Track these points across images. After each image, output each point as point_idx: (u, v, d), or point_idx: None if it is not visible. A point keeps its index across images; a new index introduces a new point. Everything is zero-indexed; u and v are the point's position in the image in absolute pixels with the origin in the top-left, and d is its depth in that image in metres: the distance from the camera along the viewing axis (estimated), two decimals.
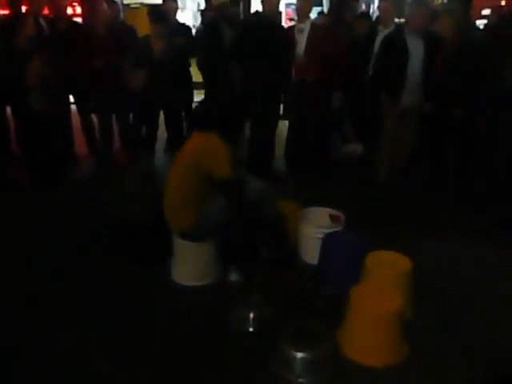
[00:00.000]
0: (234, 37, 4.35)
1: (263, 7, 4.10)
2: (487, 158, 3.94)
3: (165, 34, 4.21)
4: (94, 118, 4.80)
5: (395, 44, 3.92)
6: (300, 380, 2.16)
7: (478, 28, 4.86)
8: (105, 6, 4.37)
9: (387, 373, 2.19)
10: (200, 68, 4.99)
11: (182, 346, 2.37)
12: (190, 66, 4.99)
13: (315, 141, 4.45)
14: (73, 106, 4.87)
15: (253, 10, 5.83)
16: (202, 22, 5.34)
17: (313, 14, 4.77)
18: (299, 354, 2.17)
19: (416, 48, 3.85)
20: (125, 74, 4.22)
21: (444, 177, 4.24)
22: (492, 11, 6.08)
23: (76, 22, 4.84)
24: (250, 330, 2.46)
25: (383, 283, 2.45)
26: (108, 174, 4.53)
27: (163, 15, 4.28)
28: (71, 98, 4.86)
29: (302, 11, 4.23)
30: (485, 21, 5.64)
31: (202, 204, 2.70)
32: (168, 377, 2.18)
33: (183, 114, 4.98)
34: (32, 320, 2.55)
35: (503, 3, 6.46)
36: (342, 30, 4.50)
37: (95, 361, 2.26)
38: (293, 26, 4.40)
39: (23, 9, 4.69)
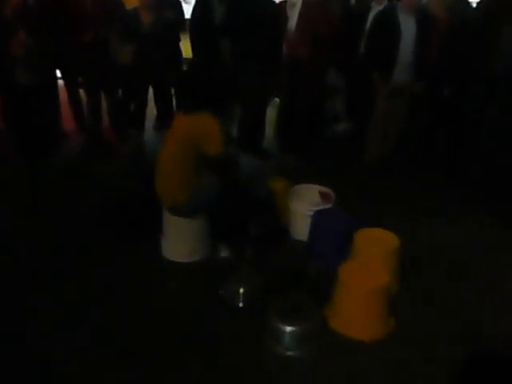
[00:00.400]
0: (224, 12, 4.26)
1: None
2: (478, 137, 3.97)
3: (153, 6, 4.10)
4: (82, 93, 4.72)
5: (387, 21, 3.88)
6: (289, 353, 2.21)
7: (471, 6, 4.82)
8: None
9: (374, 346, 2.25)
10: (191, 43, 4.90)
11: (172, 321, 2.39)
12: (179, 40, 4.89)
13: (306, 118, 4.44)
14: (60, 81, 4.78)
15: None
16: None
17: None
18: (288, 328, 2.21)
19: (408, 26, 3.81)
20: (113, 48, 4.13)
21: (434, 156, 4.27)
22: None
23: None
24: (240, 305, 2.49)
25: (371, 259, 2.48)
26: (96, 151, 4.48)
27: None
28: (58, 73, 4.76)
29: None
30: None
31: (194, 179, 2.69)
32: (157, 352, 2.20)
33: (173, 90, 4.92)
34: (21, 297, 2.55)
35: None
36: (334, 5, 4.43)
37: (82, 336, 2.28)
38: (284, 1, 4.32)
39: None
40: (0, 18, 3.85)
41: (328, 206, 3.07)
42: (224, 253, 2.87)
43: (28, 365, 2.13)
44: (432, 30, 3.84)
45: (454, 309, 2.51)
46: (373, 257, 2.51)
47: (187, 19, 4.83)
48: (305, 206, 3.05)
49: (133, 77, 4.26)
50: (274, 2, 4.33)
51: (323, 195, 3.17)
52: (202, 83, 2.74)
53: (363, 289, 2.31)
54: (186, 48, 4.91)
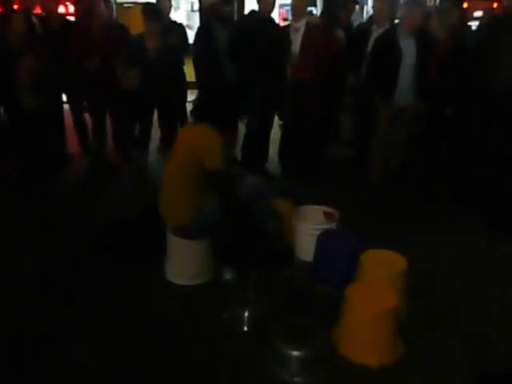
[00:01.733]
0: (228, 36, 4.33)
1: (259, 6, 4.09)
2: (480, 157, 3.96)
3: (159, 33, 4.18)
4: (87, 116, 4.76)
5: (388, 44, 3.93)
6: (295, 379, 2.15)
7: (471, 29, 4.89)
8: (102, 6, 4.34)
9: (382, 371, 2.18)
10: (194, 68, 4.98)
11: (175, 346, 2.34)
12: (183, 64, 4.97)
13: (310, 140, 4.45)
14: (65, 105, 4.84)
15: (247, 10, 5.80)
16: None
17: None
18: (294, 353, 2.15)
19: (409, 48, 3.86)
20: (119, 73, 4.18)
21: (437, 176, 4.26)
22: (484, 13, 6.14)
23: (69, 21, 4.80)
24: (245, 329, 2.44)
25: (379, 282, 2.44)
26: (101, 173, 4.49)
27: (157, 13, 4.25)
28: (64, 97, 4.82)
29: (297, 10, 4.23)
30: (477, 22, 5.68)
31: (198, 201, 2.67)
32: (159, 377, 2.15)
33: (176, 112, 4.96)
34: (20, 320, 2.51)
35: (495, 5, 6.53)
36: (337, 29, 4.49)
37: (83, 359, 2.23)
38: (288, 25, 4.39)
39: (15, 7, 4.65)
40: (5, 45, 3.93)
41: (332, 225, 3.04)
42: (228, 275, 2.83)
43: None
44: (433, 51, 3.88)
45: (463, 330, 2.45)
46: (380, 278, 2.46)
47: (190, 44, 4.93)
48: (309, 225, 3.02)
49: (139, 100, 4.31)
50: (278, 25, 4.40)
51: (327, 215, 3.15)
52: (209, 100, 2.75)
53: (371, 312, 2.26)
54: (188, 71, 4.99)
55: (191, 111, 2.86)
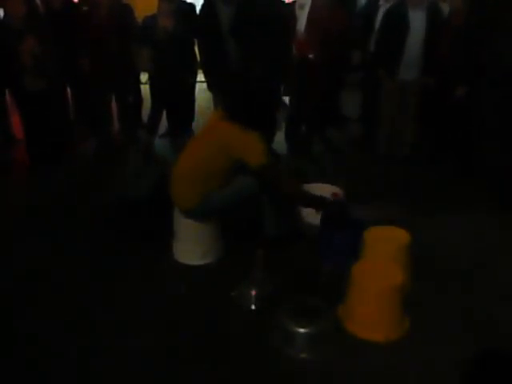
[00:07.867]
0: (232, 14, 4.26)
1: None
2: (489, 133, 3.90)
3: (173, 12, 4.12)
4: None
5: (396, 17, 3.87)
6: (302, 355, 2.18)
7: None
8: None
9: (388, 347, 2.20)
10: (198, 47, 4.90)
11: (183, 324, 2.38)
12: (194, 44, 4.89)
13: (316, 118, 4.41)
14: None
15: None
16: None
17: None
18: (301, 330, 2.18)
19: (418, 22, 3.80)
20: (133, 54, 4.13)
21: (445, 152, 4.21)
22: None
23: (72, 1, 4.74)
24: (252, 307, 2.47)
25: (383, 258, 2.45)
26: (107, 155, 4.50)
27: None
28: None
29: None
30: None
31: (212, 187, 2.67)
32: (168, 354, 2.19)
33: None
34: (31, 296, 2.57)
35: None
36: (343, 5, 4.40)
37: (94, 338, 2.28)
38: (294, 2, 4.31)
39: None
40: (7, 26, 3.90)
41: None
42: (237, 255, 2.85)
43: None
44: (443, 25, 3.80)
45: (469, 306, 2.47)
46: (384, 255, 2.47)
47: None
48: None
49: (153, 81, 4.29)
50: (283, 2, 4.32)
51: (332, 195, 3.14)
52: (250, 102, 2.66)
53: (377, 288, 2.27)
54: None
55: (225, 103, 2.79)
